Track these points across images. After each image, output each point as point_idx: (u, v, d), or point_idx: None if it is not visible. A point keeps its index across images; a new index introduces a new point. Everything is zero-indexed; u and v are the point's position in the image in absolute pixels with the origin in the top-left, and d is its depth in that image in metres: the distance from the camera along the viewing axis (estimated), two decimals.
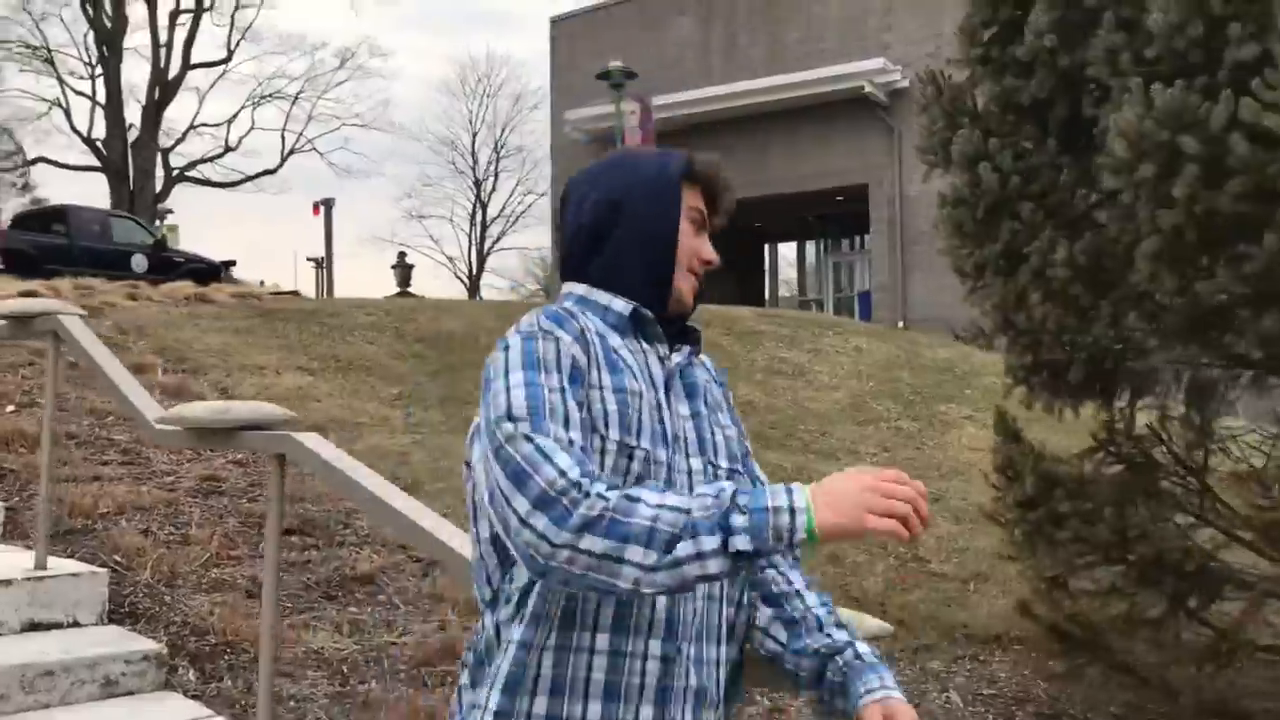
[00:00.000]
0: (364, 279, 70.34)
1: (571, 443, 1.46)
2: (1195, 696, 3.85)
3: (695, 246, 1.71)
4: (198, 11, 35.71)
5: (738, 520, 1.37)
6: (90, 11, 33.95)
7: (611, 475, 1.52)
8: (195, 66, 36.21)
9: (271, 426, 3.37)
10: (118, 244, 19.51)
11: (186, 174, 36.47)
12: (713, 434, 1.69)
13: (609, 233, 1.69)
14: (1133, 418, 5.01)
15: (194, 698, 4.03)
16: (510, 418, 1.48)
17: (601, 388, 1.56)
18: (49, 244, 18.61)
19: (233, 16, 36.91)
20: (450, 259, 44.16)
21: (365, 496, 3.01)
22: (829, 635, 1.71)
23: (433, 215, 45.24)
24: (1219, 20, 3.53)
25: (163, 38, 35.10)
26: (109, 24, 34.04)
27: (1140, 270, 3.70)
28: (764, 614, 1.73)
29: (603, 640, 1.51)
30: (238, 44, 37.18)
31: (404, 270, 34.79)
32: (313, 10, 58.43)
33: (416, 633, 4.67)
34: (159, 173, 35.16)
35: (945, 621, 5.79)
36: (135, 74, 34.95)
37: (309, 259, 28.27)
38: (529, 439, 1.45)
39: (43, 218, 20.03)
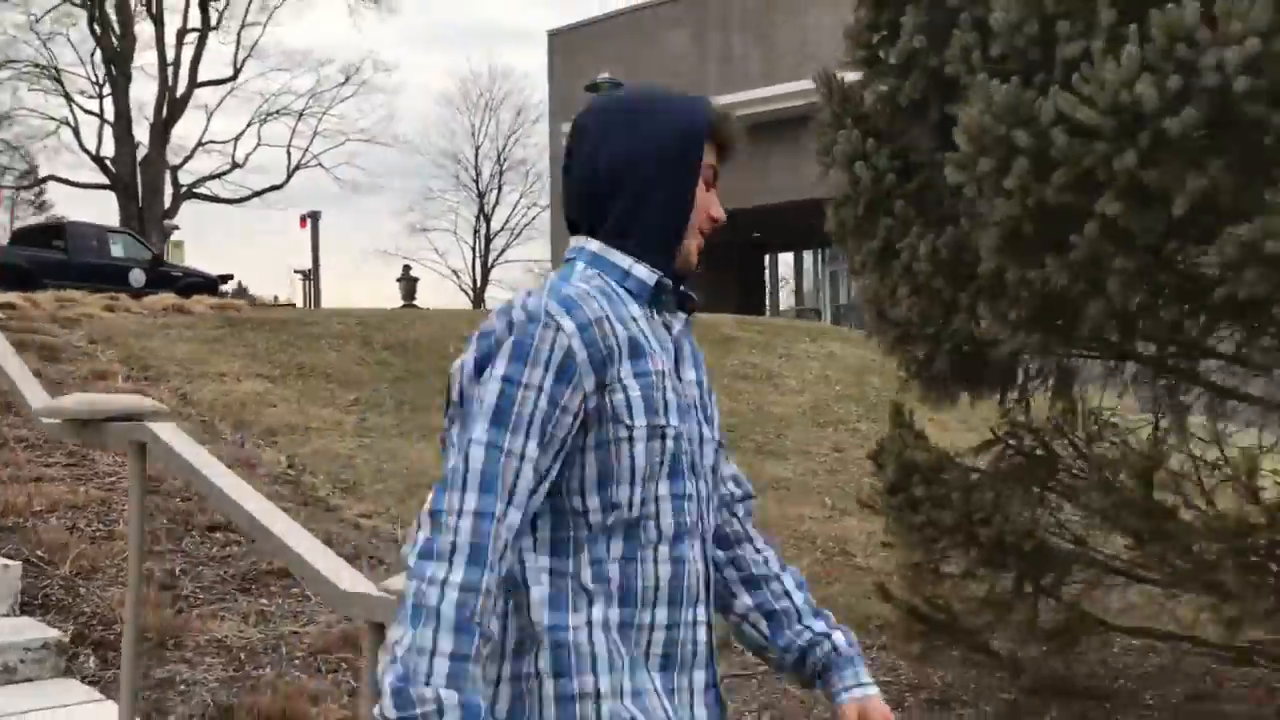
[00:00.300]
0: (370, 292, 70.94)
1: (524, 456, 1.48)
2: (1036, 674, 3.97)
3: (706, 204, 1.66)
4: (204, 30, 36.15)
5: None
6: (98, 30, 34.41)
7: (647, 460, 1.54)
8: (203, 84, 36.65)
9: (141, 418, 3.52)
10: (115, 259, 19.81)
11: (195, 191, 36.87)
12: (711, 403, 1.71)
13: (624, 187, 1.62)
14: (1027, 409, 5.13)
15: (92, 684, 4.19)
16: (473, 415, 1.50)
17: (621, 379, 1.53)
18: (47, 259, 18.92)
19: (239, 34, 37.35)
20: (455, 272, 44.31)
21: (210, 488, 3.16)
22: (809, 628, 1.74)
23: (437, 228, 45.36)
24: (1051, 18, 3.66)
25: (170, 56, 35.58)
26: (117, 44, 34.48)
27: (986, 262, 3.83)
28: (744, 601, 1.76)
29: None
30: (244, 62, 37.54)
31: (409, 283, 35.12)
32: (319, 26, 59.30)
33: (321, 623, 4.82)
34: (167, 189, 35.56)
35: (861, 613, 5.89)
36: (143, 92, 35.51)
37: (296, 271, 28.55)
38: (466, 454, 1.47)
39: (41, 233, 20.37)
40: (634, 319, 1.57)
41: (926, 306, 4.19)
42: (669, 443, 1.56)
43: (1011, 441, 5.17)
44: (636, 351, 1.55)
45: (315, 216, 25.24)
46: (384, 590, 2.44)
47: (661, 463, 1.56)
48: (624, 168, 1.61)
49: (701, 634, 1.61)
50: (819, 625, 1.75)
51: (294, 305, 20.36)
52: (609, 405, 1.52)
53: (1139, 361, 4.21)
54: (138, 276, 19.53)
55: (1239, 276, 3.08)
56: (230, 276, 21.91)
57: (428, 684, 1.38)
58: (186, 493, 6.25)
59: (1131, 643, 5.30)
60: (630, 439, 1.53)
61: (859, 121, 4.86)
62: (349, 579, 2.80)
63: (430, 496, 1.49)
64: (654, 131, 1.62)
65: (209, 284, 20.61)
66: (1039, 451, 5.15)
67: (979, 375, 4.48)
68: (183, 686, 4.17)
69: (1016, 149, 3.60)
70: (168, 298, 12.38)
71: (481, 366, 1.52)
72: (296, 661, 4.48)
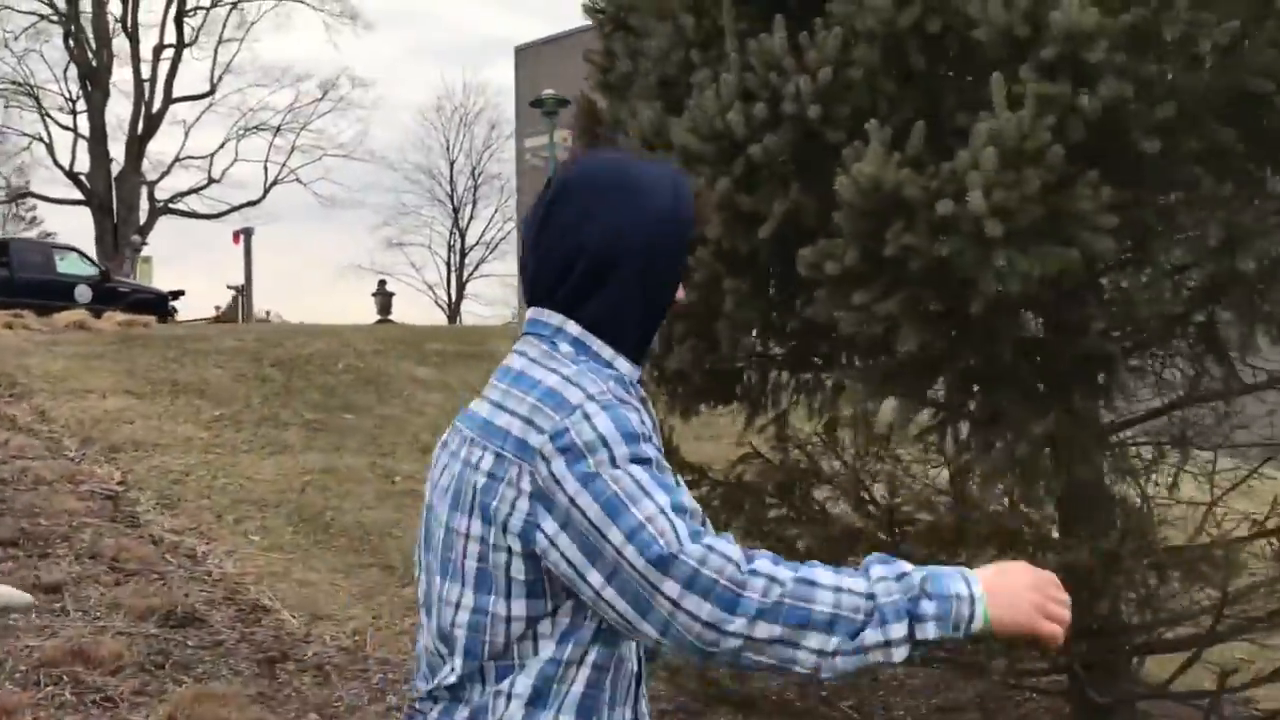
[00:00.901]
0: (347, 307, 71.36)
1: (698, 511, 1.41)
2: (699, 682, 4.07)
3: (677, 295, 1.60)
4: (180, 46, 36.39)
5: (927, 607, 1.37)
6: (72, 46, 34.67)
7: None
8: (179, 100, 36.88)
9: None
10: (61, 275, 19.96)
11: (171, 206, 37.07)
12: None
13: (611, 275, 1.50)
14: (782, 423, 5.20)
15: None
16: (635, 496, 1.37)
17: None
18: None
19: (216, 51, 37.58)
20: (430, 286, 44.26)
21: None
22: None
23: (412, 243, 44.89)
24: (691, 46, 3.75)
25: (146, 72, 35.80)
26: (92, 60, 34.73)
27: None
28: None
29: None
30: (221, 77, 37.76)
31: (384, 298, 35.24)
32: (296, 42, 59.96)
33: (62, 636, 4.90)
34: (143, 205, 35.78)
35: None
36: (119, 107, 35.58)
37: (229, 286, 28.70)
38: (671, 522, 1.36)
39: None
40: None
41: None
42: None
43: (780, 456, 5.25)
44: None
45: (248, 233, 25.54)
46: None
47: None
48: (613, 254, 1.50)
49: None
50: None
51: (254, 320, 20.52)
52: None
53: (792, 371, 4.32)
54: (84, 293, 19.65)
55: (811, 295, 3.17)
56: (181, 293, 22.05)
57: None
58: None
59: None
60: None
61: (607, 143, 4.96)
62: None
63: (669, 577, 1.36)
64: (645, 219, 1.52)
65: (158, 300, 20.77)
66: (803, 464, 5.23)
67: (704, 391, 4.55)
68: None
69: None
70: (72, 315, 12.51)
71: (576, 465, 1.39)
72: (18, 675, 4.56)
